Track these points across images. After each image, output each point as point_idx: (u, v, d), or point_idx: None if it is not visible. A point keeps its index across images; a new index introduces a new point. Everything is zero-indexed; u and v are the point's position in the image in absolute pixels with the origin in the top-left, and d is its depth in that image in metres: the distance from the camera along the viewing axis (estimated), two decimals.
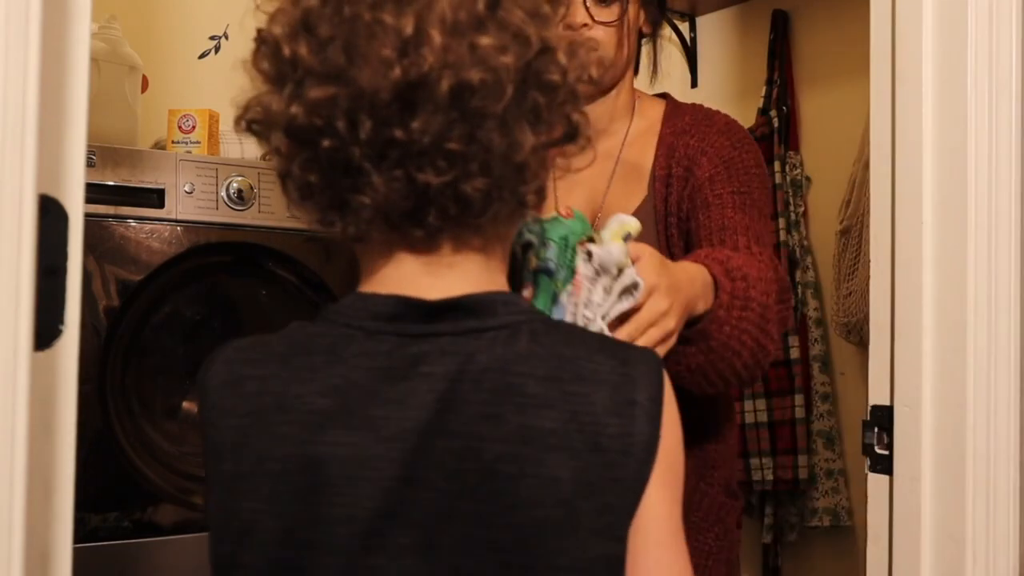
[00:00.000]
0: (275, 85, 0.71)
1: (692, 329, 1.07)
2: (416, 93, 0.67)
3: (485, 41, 0.67)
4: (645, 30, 1.42)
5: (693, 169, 1.32)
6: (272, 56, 0.71)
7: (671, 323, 0.98)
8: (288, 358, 0.73)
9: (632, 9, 1.35)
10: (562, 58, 0.71)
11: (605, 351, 0.74)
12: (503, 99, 0.68)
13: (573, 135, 0.74)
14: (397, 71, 0.66)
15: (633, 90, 1.44)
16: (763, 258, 1.23)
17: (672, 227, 1.32)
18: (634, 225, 0.97)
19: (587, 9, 1.30)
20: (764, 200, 1.34)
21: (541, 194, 0.74)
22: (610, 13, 1.31)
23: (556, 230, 0.92)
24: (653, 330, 0.96)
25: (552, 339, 0.74)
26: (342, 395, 0.71)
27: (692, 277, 1.06)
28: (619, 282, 0.93)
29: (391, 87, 0.66)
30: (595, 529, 0.70)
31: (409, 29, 0.67)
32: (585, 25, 1.30)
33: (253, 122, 0.73)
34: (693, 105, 1.44)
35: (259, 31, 0.73)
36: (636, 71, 1.47)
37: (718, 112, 1.41)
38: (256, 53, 0.73)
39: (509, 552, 0.69)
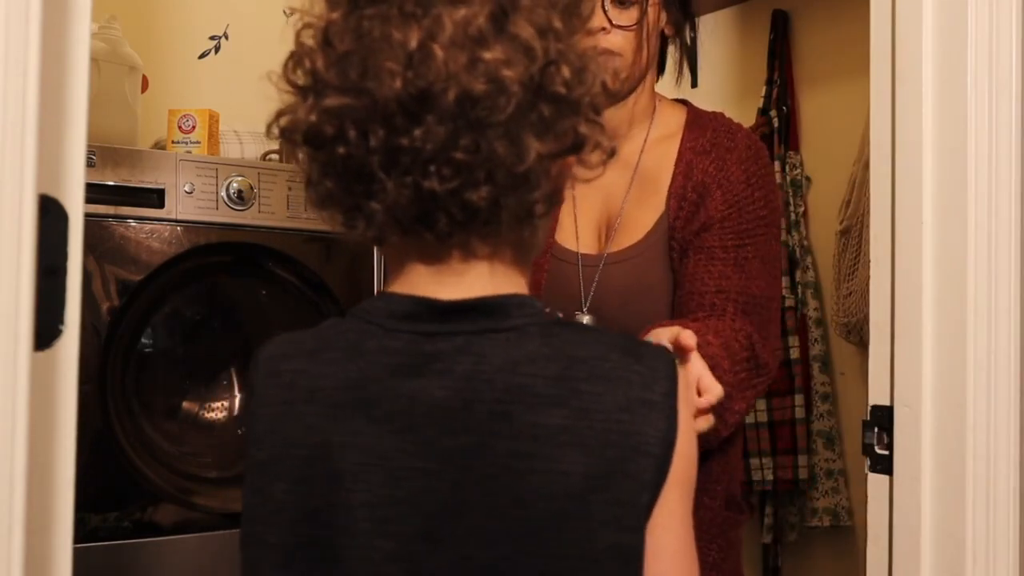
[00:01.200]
0: (302, 95, 0.75)
1: None
2: (420, 104, 0.70)
3: (489, 55, 0.70)
4: (667, 32, 1.38)
5: (705, 201, 1.30)
6: (299, 68, 0.76)
7: None
8: (317, 352, 0.79)
9: (652, 12, 1.32)
10: (567, 72, 0.72)
11: (619, 349, 0.76)
12: (506, 110, 0.70)
13: (579, 146, 0.75)
14: (399, 83, 0.69)
15: (654, 94, 1.41)
16: (739, 337, 1.23)
17: (675, 251, 1.31)
18: None
19: (605, 13, 1.27)
20: (769, 246, 1.32)
21: (551, 203, 0.76)
22: (628, 17, 1.29)
23: None
24: None
25: (564, 340, 0.76)
26: (360, 388, 0.75)
27: None
28: None
29: (395, 98, 0.70)
30: (605, 521, 0.72)
31: (414, 43, 0.70)
32: (603, 29, 1.27)
33: (283, 130, 0.77)
34: (714, 116, 1.40)
35: (294, 46, 0.77)
36: (660, 73, 1.44)
37: (739, 130, 1.37)
38: (287, 64, 0.76)
39: (520, 543, 0.71)
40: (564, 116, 0.73)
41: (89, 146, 0.92)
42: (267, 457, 0.77)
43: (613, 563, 0.72)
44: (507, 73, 0.70)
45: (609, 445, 0.72)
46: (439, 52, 0.69)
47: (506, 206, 0.72)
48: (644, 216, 1.34)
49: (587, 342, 0.77)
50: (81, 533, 1.18)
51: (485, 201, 0.71)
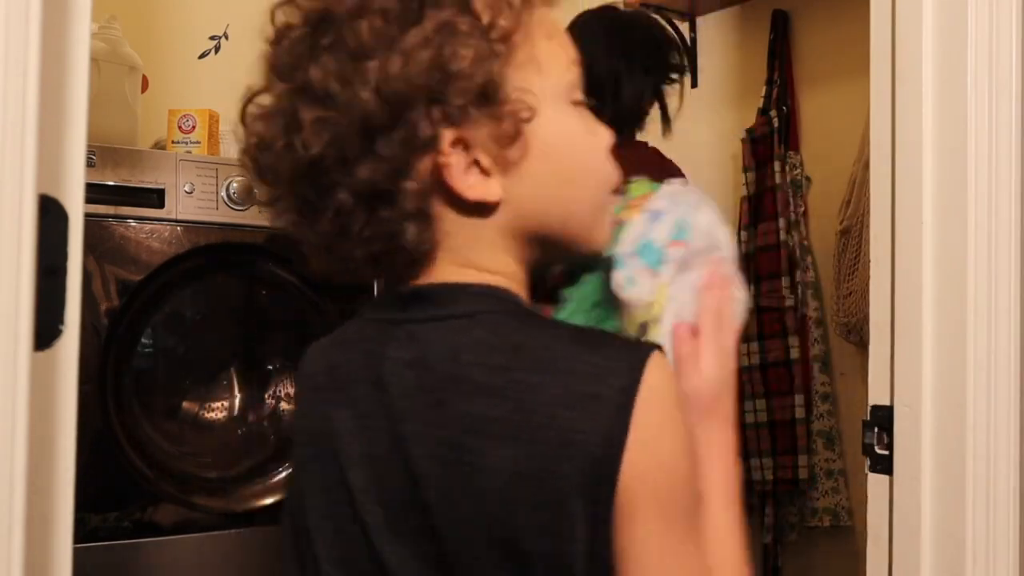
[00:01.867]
0: None
1: None
2: (270, 174, 0.75)
3: (308, 116, 0.70)
4: None
5: None
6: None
7: None
8: (329, 345, 0.84)
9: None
10: (380, 101, 0.68)
11: (570, 339, 0.71)
12: (346, 165, 0.70)
13: (402, 170, 0.71)
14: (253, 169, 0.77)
15: None
16: None
17: None
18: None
19: None
20: None
21: (420, 218, 0.72)
22: None
23: None
24: None
25: (513, 328, 0.72)
26: (336, 375, 0.79)
27: None
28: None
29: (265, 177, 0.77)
30: (531, 525, 0.66)
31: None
32: None
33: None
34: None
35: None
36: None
37: None
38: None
39: (452, 540, 0.69)
40: (389, 140, 0.70)
41: (89, 146, 0.92)
42: (295, 444, 0.85)
43: (540, 571, 0.66)
44: (330, 132, 0.70)
45: (540, 441, 0.65)
46: (262, 131, 0.74)
47: (391, 235, 0.72)
48: None
49: (535, 330, 0.72)
50: (81, 533, 1.18)
51: (365, 245, 0.73)
